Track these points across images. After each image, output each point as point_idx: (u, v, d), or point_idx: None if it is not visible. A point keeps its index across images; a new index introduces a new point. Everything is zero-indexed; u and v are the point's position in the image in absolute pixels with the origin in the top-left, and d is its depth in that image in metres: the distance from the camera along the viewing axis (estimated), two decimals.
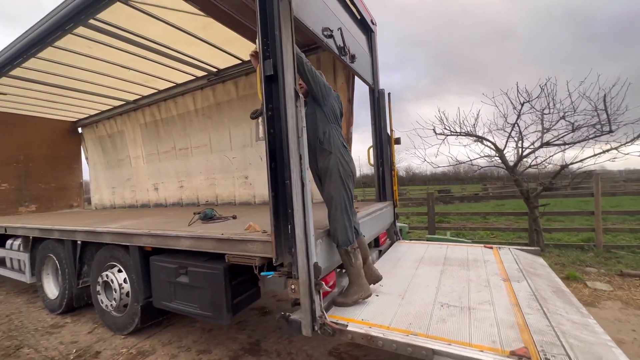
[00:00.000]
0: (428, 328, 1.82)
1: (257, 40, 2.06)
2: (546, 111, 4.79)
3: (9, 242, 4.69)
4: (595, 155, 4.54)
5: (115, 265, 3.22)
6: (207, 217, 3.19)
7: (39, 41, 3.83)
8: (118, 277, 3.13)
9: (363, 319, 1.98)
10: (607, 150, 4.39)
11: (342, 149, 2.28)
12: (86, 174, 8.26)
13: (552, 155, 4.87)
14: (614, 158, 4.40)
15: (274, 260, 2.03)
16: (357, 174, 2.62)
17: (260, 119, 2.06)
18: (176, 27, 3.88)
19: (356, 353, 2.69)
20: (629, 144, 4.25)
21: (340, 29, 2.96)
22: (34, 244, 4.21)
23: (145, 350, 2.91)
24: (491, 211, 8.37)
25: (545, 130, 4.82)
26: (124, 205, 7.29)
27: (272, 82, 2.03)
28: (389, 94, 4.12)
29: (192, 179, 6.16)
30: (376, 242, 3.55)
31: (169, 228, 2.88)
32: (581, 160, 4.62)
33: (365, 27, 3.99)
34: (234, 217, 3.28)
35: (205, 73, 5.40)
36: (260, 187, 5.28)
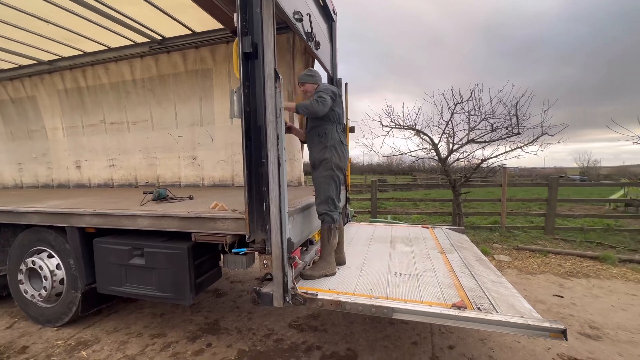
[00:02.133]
0: (386, 292, 2.10)
1: (235, 15, 2.00)
2: (473, 112, 5.62)
3: None
4: (506, 152, 5.54)
5: (44, 250, 2.82)
6: (161, 197, 2.99)
7: None
8: (49, 264, 2.76)
9: (330, 288, 2.18)
10: (515, 149, 5.40)
11: (339, 145, 2.51)
12: None
13: (475, 151, 5.77)
14: (519, 155, 5.43)
15: (247, 237, 2.07)
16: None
17: (236, 96, 2.03)
18: None
19: (314, 323, 2.91)
20: (530, 144, 5.31)
21: (309, 14, 3.01)
22: None
23: (86, 340, 2.66)
24: (421, 198, 9.44)
25: (471, 129, 5.66)
26: (36, 184, 6.18)
27: (250, 60, 2.02)
28: (346, 83, 4.32)
29: (129, 157, 5.53)
30: None
31: (116, 208, 2.63)
32: (496, 156, 5.58)
33: (328, 15, 4.07)
34: (191, 198, 3.14)
35: (147, 40, 4.84)
36: (210, 168, 5.06)
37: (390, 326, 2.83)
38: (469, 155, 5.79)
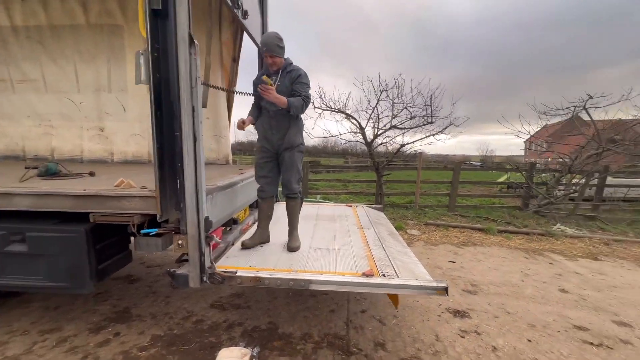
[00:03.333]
0: (305, 266, 2.21)
1: None
2: (396, 100, 6.08)
3: None
4: (421, 139, 6.20)
5: None
6: (50, 173, 2.53)
7: None
8: None
9: (251, 265, 2.19)
10: (428, 136, 6.08)
11: (303, 129, 2.64)
12: None
13: (396, 137, 6.30)
14: (431, 142, 6.14)
15: (158, 216, 1.92)
16: (234, 139, 2.87)
17: (142, 59, 1.79)
18: None
19: (237, 302, 2.91)
20: (440, 133, 6.04)
21: None
22: None
23: None
24: (351, 179, 10.01)
25: (394, 116, 6.14)
26: None
27: (160, 19, 1.79)
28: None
29: (14, 124, 4.50)
30: (257, 203, 3.75)
31: None
32: (413, 142, 6.20)
33: None
34: (92, 174, 2.74)
35: None
36: (121, 142, 4.45)
37: (312, 298, 3.00)
38: (391, 140, 6.31)
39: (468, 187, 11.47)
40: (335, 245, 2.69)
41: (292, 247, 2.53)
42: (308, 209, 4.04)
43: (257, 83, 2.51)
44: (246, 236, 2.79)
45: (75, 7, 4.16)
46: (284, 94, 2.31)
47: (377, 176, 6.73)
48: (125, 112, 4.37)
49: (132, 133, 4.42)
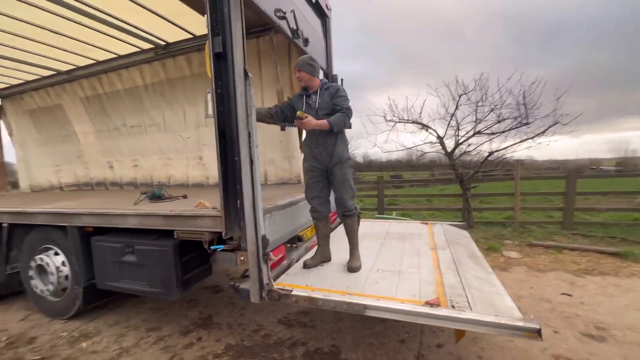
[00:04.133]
0: (363, 288, 2.08)
1: (205, 16, 2.05)
2: (480, 103, 5.38)
3: None
4: (514, 144, 5.27)
5: (51, 248, 3.02)
6: (155, 197, 3.12)
7: None
8: (55, 260, 2.96)
9: (307, 285, 2.18)
10: (524, 140, 5.12)
11: (347, 143, 2.67)
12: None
13: (482, 144, 5.53)
14: (529, 147, 5.15)
15: (223, 234, 2.11)
16: None
17: (209, 96, 2.08)
18: None
19: (304, 320, 2.93)
20: (541, 135, 5.01)
21: (293, 11, 3.00)
22: None
23: (89, 333, 2.84)
24: (435, 194, 9.20)
25: (478, 121, 5.43)
26: (77, 183, 6.57)
27: (221, 60, 2.05)
28: (341, 79, 4.27)
29: (147, 158, 5.82)
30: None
31: (113, 208, 2.77)
32: (504, 148, 5.33)
33: (320, 11, 4.05)
34: (185, 197, 3.25)
35: (151, 46, 5.03)
36: (213, 168, 5.18)
37: (380, 324, 2.79)
38: (476, 148, 5.56)
39: (594, 198, 9.13)
40: (400, 267, 2.46)
41: (352, 267, 2.43)
42: (378, 227, 3.86)
43: (294, 100, 2.64)
44: (309, 255, 2.81)
45: (183, 63, 5.18)
46: (325, 109, 2.45)
47: (462, 189, 5.99)
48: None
49: None
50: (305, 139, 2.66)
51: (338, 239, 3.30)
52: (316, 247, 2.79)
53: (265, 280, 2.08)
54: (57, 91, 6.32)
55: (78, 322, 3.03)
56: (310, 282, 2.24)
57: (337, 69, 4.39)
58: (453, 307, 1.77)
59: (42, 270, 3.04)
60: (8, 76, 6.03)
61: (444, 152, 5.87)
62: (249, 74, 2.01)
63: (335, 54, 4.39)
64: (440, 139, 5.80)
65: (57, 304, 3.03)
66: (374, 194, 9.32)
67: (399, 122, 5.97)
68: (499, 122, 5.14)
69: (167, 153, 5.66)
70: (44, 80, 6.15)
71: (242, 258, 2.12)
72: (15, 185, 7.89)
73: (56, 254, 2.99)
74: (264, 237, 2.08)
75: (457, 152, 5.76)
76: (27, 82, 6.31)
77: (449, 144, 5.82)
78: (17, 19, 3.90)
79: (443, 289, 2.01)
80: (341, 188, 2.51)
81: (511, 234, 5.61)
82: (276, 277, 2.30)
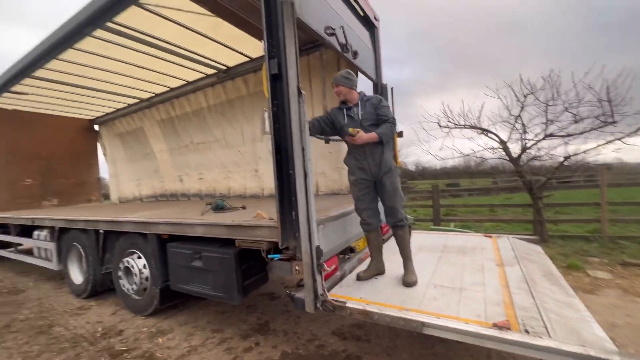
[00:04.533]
0: (420, 304, 1.98)
1: (263, 41, 2.22)
2: (550, 103, 4.81)
3: (35, 232, 5.03)
4: (598, 146, 4.56)
5: (135, 252, 3.48)
6: (219, 208, 3.41)
7: (60, 44, 4.09)
8: (138, 263, 3.39)
9: (361, 297, 2.16)
10: (611, 142, 4.41)
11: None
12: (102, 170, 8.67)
13: (556, 147, 4.90)
14: (619, 149, 4.41)
15: (279, 244, 2.22)
16: None
17: (266, 114, 2.23)
18: (186, 27, 4.07)
19: (357, 333, 2.88)
20: (633, 134, 4.26)
21: (342, 26, 3.09)
22: (60, 234, 4.52)
23: (164, 330, 3.17)
24: (499, 203, 8.38)
25: (549, 122, 4.85)
26: (154, 194, 7.56)
27: (277, 80, 2.20)
28: (392, 88, 4.22)
29: (210, 172, 6.45)
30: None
31: (184, 217, 3.11)
32: (584, 152, 4.64)
33: (368, 23, 4.09)
34: (244, 208, 3.49)
35: (214, 71, 5.60)
36: (268, 180, 5.49)
37: (440, 344, 2.61)
38: (547, 152, 4.95)
39: None
40: (461, 284, 2.29)
41: (407, 281, 2.34)
42: (433, 239, 3.65)
43: (333, 114, 2.67)
44: (362, 267, 2.78)
45: (240, 84, 5.66)
46: (369, 119, 2.48)
47: (532, 198, 5.36)
48: (270, 155, 5.41)
49: None
50: (349, 152, 2.67)
51: (391, 251, 3.20)
52: (369, 259, 2.75)
53: (320, 291, 2.12)
54: (139, 116, 7.38)
55: (155, 319, 3.41)
56: (365, 294, 2.21)
57: (386, 76, 4.37)
58: (527, 332, 1.59)
59: (128, 271, 3.50)
60: (104, 106, 7.23)
61: (508, 158, 5.35)
62: (302, 92, 2.11)
63: (384, 61, 4.36)
64: (504, 144, 5.31)
65: (139, 302, 3.46)
66: (428, 203, 8.85)
67: (455, 127, 5.64)
68: (575, 122, 4.52)
69: (228, 166, 6.18)
70: (130, 107, 7.23)
71: (297, 267, 2.19)
72: (107, 197, 9.34)
73: (139, 257, 3.43)
74: (317, 247, 2.13)
75: (524, 157, 5.20)
76: (117, 110, 7.48)
77: (514, 148, 5.29)
78: (110, 58, 4.67)
79: (513, 311, 1.81)
80: (392, 197, 2.47)
81: (598, 251, 4.83)
82: (330, 288, 2.32)
